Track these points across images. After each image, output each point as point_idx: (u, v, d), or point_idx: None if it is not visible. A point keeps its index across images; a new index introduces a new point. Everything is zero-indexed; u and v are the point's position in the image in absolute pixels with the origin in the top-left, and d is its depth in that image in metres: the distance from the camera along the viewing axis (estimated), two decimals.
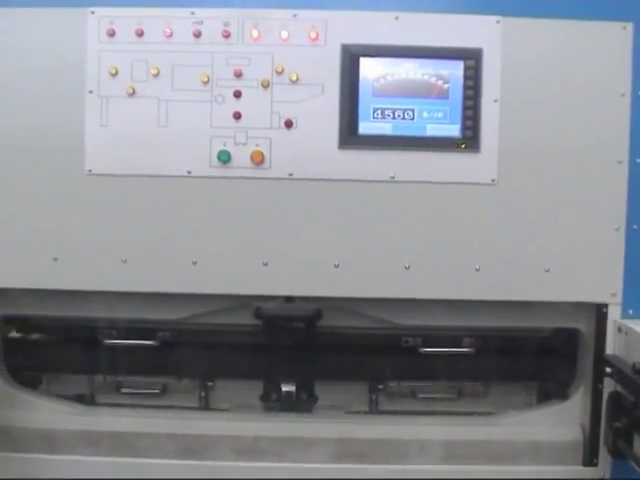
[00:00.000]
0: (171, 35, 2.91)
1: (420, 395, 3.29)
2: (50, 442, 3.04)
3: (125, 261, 2.95)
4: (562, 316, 3.11)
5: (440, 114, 2.94)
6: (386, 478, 3.05)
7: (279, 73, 2.91)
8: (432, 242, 2.96)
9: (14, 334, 3.21)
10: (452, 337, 3.20)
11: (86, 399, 3.29)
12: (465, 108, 2.92)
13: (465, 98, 2.92)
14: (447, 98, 2.93)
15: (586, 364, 3.10)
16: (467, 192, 2.95)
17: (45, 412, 3.10)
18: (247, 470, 3.04)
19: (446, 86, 2.93)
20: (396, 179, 2.94)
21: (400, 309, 3.08)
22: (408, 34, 2.92)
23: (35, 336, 3.24)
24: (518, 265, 2.96)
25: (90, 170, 2.92)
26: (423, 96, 2.93)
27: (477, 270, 2.96)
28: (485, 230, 2.96)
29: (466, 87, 2.92)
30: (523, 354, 3.23)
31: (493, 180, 2.94)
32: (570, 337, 3.18)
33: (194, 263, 2.95)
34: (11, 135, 2.91)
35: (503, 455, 3.05)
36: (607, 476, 3.03)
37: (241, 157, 2.93)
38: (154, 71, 2.90)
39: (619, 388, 2.90)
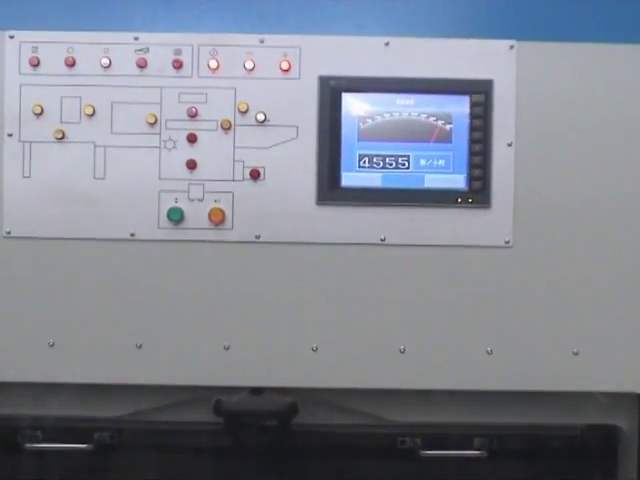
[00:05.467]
0: (110, 65, 2.90)
1: None
2: None
3: (52, 345, 2.92)
4: (596, 410, 3.11)
5: (441, 162, 2.93)
6: None
7: (243, 112, 2.90)
8: (433, 319, 2.94)
9: None
10: (460, 437, 3.18)
11: None
12: (472, 154, 2.91)
13: (472, 142, 2.91)
14: (450, 142, 2.92)
15: (629, 468, 3.13)
16: (475, 257, 2.93)
17: None
18: None
19: (448, 127, 2.92)
20: (388, 242, 2.92)
21: (394, 403, 3.06)
22: (401, 63, 2.92)
23: None
24: (540, 347, 2.94)
25: (9, 232, 2.91)
26: (420, 140, 2.93)
27: (489, 353, 2.93)
28: (498, 304, 2.93)
29: (473, 128, 2.91)
30: (549, 458, 3.24)
31: (507, 242, 2.92)
32: (608, 436, 3.18)
33: (139, 347, 2.92)
34: None
35: None
36: None
37: (197, 216, 2.92)
38: (89, 110, 2.89)
39: None
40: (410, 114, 2.91)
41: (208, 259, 2.91)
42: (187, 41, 2.90)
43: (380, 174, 2.91)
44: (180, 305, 2.92)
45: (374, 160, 2.91)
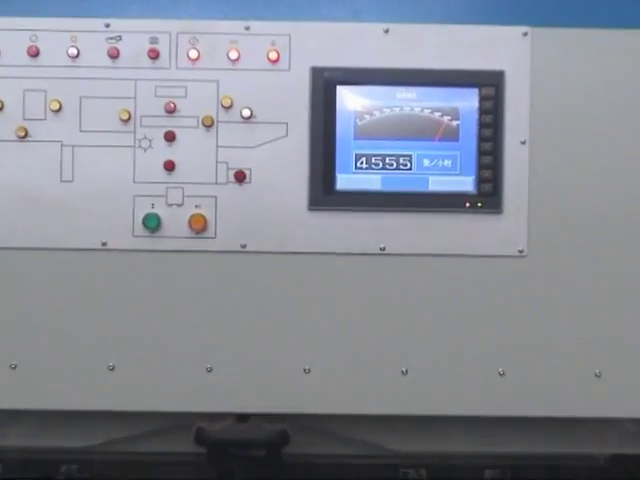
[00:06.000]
0: (78, 55, 2.84)
1: None
2: None
3: (14, 367, 2.83)
4: (621, 438, 3.04)
5: (447, 162, 2.87)
6: None
7: (227, 108, 2.84)
8: (438, 337, 2.86)
9: None
10: (469, 468, 3.15)
11: None
12: (481, 153, 2.84)
13: (481, 140, 2.84)
14: (457, 140, 2.86)
15: None
16: (485, 268, 2.85)
17: None
18: None
19: (455, 123, 2.86)
20: (388, 251, 2.85)
21: (396, 430, 3.01)
22: (402, 53, 2.85)
23: None
24: (558, 368, 2.85)
25: None
26: (424, 138, 2.86)
27: (501, 375, 2.85)
28: (511, 320, 2.85)
29: (482, 125, 2.84)
30: None
31: (521, 251, 2.85)
32: (634, 466, 3.15)
33: (111, 369, 2.83)
34: None
35: None
36: None
37: (175, 223, 2.85)
38: (55, 105, 2.82)
39: None
40: (412, 109, 2.84)
41: (188, 271, 2.84)
42: (164, 28, 2.82)
43: (379, 176, 2.85)
44: (157, 322, 2.84)
45: (372, 160, 2.84)
